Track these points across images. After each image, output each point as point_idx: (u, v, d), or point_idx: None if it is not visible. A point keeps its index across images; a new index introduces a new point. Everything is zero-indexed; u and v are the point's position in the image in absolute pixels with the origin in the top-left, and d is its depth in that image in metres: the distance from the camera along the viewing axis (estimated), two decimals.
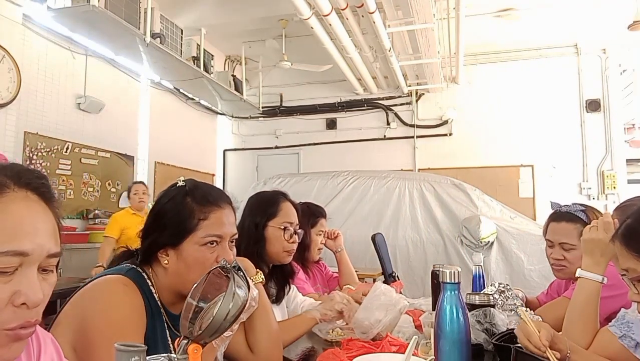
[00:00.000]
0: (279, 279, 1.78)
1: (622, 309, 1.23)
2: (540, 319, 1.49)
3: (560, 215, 1.72)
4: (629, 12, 5.04)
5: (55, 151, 4.83)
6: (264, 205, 1.76)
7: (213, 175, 7.89)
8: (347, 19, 5.04)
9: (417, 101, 7.47)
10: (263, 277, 1.43)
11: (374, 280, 3.81)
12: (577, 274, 1.32)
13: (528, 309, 1.67)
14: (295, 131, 7.89)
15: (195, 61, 5.53)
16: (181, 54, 5.30)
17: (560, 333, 1.24)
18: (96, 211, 5.13)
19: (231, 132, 8.32)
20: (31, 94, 4.56)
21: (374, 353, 1.33)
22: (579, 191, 6.65)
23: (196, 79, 5.71)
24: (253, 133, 8.17)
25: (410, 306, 1.89)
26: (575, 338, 1.22)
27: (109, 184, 5.53)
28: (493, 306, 1.66)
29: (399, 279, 3.36)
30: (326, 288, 2.47)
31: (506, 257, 4.54)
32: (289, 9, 4.79)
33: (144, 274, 1.10)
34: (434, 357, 1.01)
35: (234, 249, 1.16)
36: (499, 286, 1.92)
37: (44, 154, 4.70)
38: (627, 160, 7.04)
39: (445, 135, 7.27)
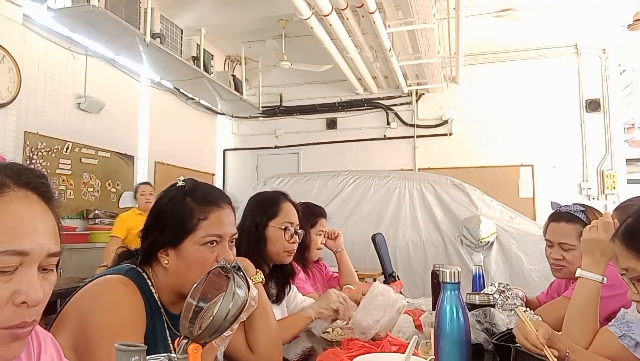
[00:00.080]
0: (279, 279, 1.78)
1: (622, 309, 1.23)
2: (540, 319, 1.49)
3: (560, 215, 1.72)
4: (629, 12, 5.04)
5: (55, 151, 4.83)
6: (265, 205, 1.76)
7: (213, 175, 7.89)
8: (347, 18, 5.04)
9: (417, 101, 7.47)
10: (263, 277, 1.43)
11: (374, 280, 3.81)
12: (577, 274, 1.32)
13: (528, 309, 1.67)
14: (295, 131, 7.89)
15: (195, 61, 5.53)
16: (181, 54, 5.30)
17: (560, 333, 1.24)
18: (96, 211, 5.13)
19: (231, 132, 8.32)
20: (31, 94, 4.56)
21: (374, 353, 1.33)
22: (579, 191, 6.65)
23: (196, 79, 5.71)
24: (253, 133, 8.18)
25: (410, 306, 1.89)
26: (575, 338, 1.22)
27: (109, 184, 5.53)
28: (493, 306, 1.66)
29: (399, 279, 3.36)
30: (326, 288, 2.46)
31: (506, 257, 4.54)
32: (289, 9, 4.79)
33: (144, 274, 1.10)
34: (434, 357, 1.01)
35: (234, 249, 1.16)
36: (499, 286, 1.92)
37: (44, 154, 4.70)
38: (627, 160, 7.04)
39: (445, 135, 7.27)
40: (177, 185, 1.16)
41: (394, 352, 1.32)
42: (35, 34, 4.65)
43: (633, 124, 7.94)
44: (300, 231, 1.77)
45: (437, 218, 4.89)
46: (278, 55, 6.25)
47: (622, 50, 6.68)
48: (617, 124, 6.71)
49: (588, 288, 1.28)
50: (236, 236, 1.16)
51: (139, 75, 6.13)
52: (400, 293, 1.85)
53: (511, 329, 1.33)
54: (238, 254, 1.24)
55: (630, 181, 6.93)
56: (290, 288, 1.82)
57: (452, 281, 0.98)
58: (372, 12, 4.69)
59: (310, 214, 2.40)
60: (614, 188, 6.52)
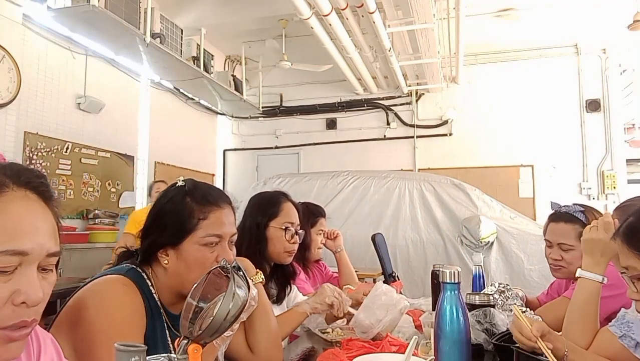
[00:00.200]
0: (279, 279, 1.78)
1: (622, 309, 1.23)
2: (540, 319, 1.49)
3: (559, 216, 1.73)
4: (629, 12, 5.04)
5: (55, 151, 4.83)
6: (265, 205, 1.76)
7: (213, 175, 7.89)
8: (347, 19, 5.04)
9: (417, 101, 7.47)
10: (263, 277, 1.43)
11: (374, 280, 3.81)
12: (577, 274, 1.32)
13: (528, 309, 1.68)
14: (295, 131, 7.89)
15: (195, 61, 5.53)
16: (181, 54, 5.30)
17: (560, 333, 1.24)
18: (96, 211, 5.13)
19: (231, 132, 8.32)
20: (31, 94, 4.56)
21: (374, 353, 1.33)
22: (579, 191, 6.65)
23: (196, 79, 5.71)
24: (253, 133, 8.18)
25: (410, 306, 1.89)
26: (575, 338, 1.23)
27: (109, 184, 5.53)
28: (493, 306, 1.66)
29: (399, 279, 3.35)
30: None
31: (506, 257, 4.54)
32: (289, 9, 4.79)
33: (143, 274, 1.10)
34: (434, 357, 1.01)
35: (234, 249, 1.16)
36: (499, 286, 1.92)
37: (44, 154, 4.70)
38: (627, 160, 7.04)
39: (445, 135, 7.27)
40: (177, 185, 1.16)
41: (394, 352, 1.32)
42: (35, 34, 4.64)
43: (633, 124, 7.94)
44: (300, 231, 1.77)
45: (437, 218, 4.88)
46: (278, 55, 6.25)
47: (622, 50, 6.68)
48: (617, 124, 6.71)
49: (588, 288, 1.28)
50: (236, 236, 1.16)
51: (139, 75, 6.12)
52: (401, 293, 1.85)
53: None
54: (239, 254, 1.24)
55: (630, 181, 6.93)
56: (290, 288, 1.82)
57: (452, 281, 0.98)
58: (372, 12, 4.69)
59: (310, 214, 2.40)
60: (614, 188, 6.52)
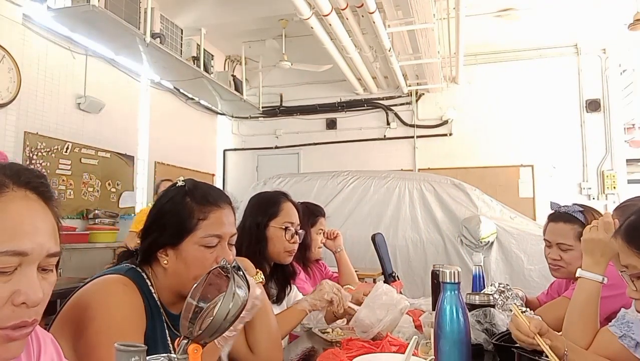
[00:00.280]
0: (279, 279, 1.78)
1: (622, 309, 1.23)
2: (540, 318, 1.49)
3: (558, 216, 1.73)
4: (629, 12, 5.04)
5: (55, 151, 4.83)
6: (265, 205, 1.76)
7: (213, 175, 7.89)
8: (347, 19, 5.04)
9: (417, 101, 7.47)
10: (263, 277, 1.43)
11: (374, 280, 3.81)
12: (577, 274, 1.32)
13: (528, 309, 1.68)
14: (295, 131, 7.89)
15: (195, 61, 5.53)
16: (181, 54, 5.30)
17: (560, 333, 1.24)
18: (96, 211, 5.13)
19: (231, 132, 8.32)
20: (31, 94, 4.56)
21: (374, 353, 1.33)
22: (579, 191, 6.65)
23: (196, 79, 5.70)
24: (253, 133, 8.18)
25: (410, 306, 1.89)
26: (575, 338, 1.23)
27: (109, 184, 5.53)
28: (493, 306, 1.66)
29: (399, 279, 3.35)
30: None
31: (506, 257, 4.54)
32: (289, 9, 4.79)
33: (143, 274, 1.10)
34: (434, 357, 1.01)
35: (233, 249, 1.16)
36: (499, 286, 1.92)
37: (44, 154, 4.70)
38: (627, 160, 7.04)
39: (445, 135, 7.27)
40: (177, 185, 1.16)
41: (394, 352, 1.32)
42: (35, 34, 4.64)
43: (633, 124, 7.94)
44: (300, 231, 1.77)
45: (437, 218, 4.88)
46: (278, 55, 6.25)
47: (622, 50, 6.68)
48: (617, 124, 6.71)
49: (588, 288, 1.28)
50: (235, 236, 1.16)
51: (139, 75, 6.12)
52: (401, 293, 1.85)
53: None
54: (239, 254, 1.23)
55: (630, 181, 6.93)
56: (290, 288, 1.82)
57: (452, 281, 0.98)
58: (372, 12, 4.69)
59: (310, 213, 2.41)
60: (614, 188, 6.52)
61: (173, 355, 0.71)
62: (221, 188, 2.12)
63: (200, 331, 0.72)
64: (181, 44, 5.34)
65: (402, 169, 7.12)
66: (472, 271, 2.25)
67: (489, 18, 5.92)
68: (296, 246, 1.75)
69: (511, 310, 1.77)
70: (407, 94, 7.41)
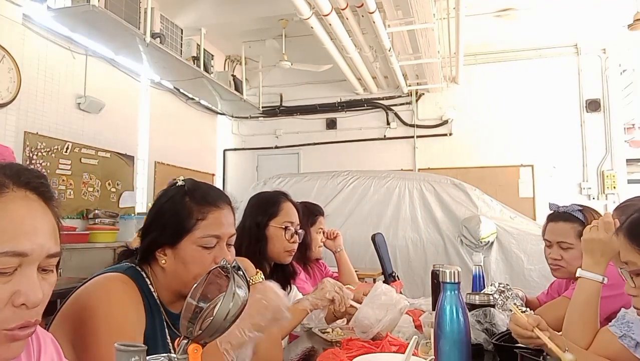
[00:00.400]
0: (279, 279, 1.77)
1: (622, 309, 1.23)
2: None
3: (557, 215, 1.73)
4: (629, 12, 5.04)
5: (55, 151, 4.83)
6: (265, 205, 1.76)
7: (213, 175, 7.89)
8: (347, 18, 5.04)
9: (417, 100, 7.47)
10: (263, 277, 1.43)
11: (374, 280, 3.80)
12: (577, 274, 1.32)
13: (528, 309, 1.68)
14: (295, 131, 7.89)
15: (195, 61, 5.53)
16: (181, 54, 5.29)
17: (560, 333, 1.24)
18: (96, 211, 5.13)
19: (231, 132, 8.31)
20: (31, 94, 4.56)
21: (374, 353, 1.33)
22: (579, 191, 6.65)
23: (196, 79, 5.70)
24: (253, 133, 8.17)
25: (410, 306, 1.89)
26: (575, 338, 1.23)
27: (109, 184, 5.53)
28: (493, 306, 1.66)
29: (399, 279, 3.35)
30: None
31: (506, 257, 4.54)
32: (289, 9, 4.79)
33: (142, 273, 1.10)
34: (434, 357, 1.01)
35: (232, 250, 1.16)
36: (499, 286, 1.92)
37: (44, 154, 4.70)
38: (627, 160, 7.04)
39: (445, 135, 7.27)
40: (177, 185, 1.16)
41: (394, 352, 1.32)
42: (35, 34, 4.64)
43: (633, 124, 7.94)
44: (300, 231, 1.77)
45: (437, 218, 4.88)
46: (278, 55, 6.25)
47: (622, 50, 6.68)
48: (617, 124, 6.71)
49: (588, 288, 1.28)
50: (234, 237, 1.16)
51: (139, 75, 6.12)
52: (401, 293, 1.85)
53: None
54: (238, 254, 1.23)
55: (630, 181, 6.93)
56: (290, 288, 1.82)
57: (452, 281, 0.98)
58: (372, 12, 4.69)
59: (309, 213, 2.41)
60: (614, 188, 6.52)
61: (173, 355, 0.71)
62: (221, 188, 2.13)
63: (200, 331, 0.72)
64: (181, 44, 5.34)
65: (402, 169, 7.12)
66: (472, 271, 2.25)
67: (489, 18, 5.92)
68: (296, 246, 1.76)
69: (511, 310, 1.77)
70: (407, 94, 7.41)
